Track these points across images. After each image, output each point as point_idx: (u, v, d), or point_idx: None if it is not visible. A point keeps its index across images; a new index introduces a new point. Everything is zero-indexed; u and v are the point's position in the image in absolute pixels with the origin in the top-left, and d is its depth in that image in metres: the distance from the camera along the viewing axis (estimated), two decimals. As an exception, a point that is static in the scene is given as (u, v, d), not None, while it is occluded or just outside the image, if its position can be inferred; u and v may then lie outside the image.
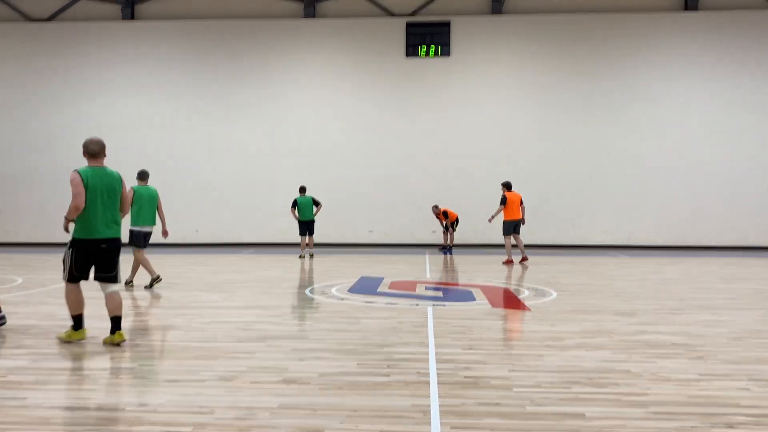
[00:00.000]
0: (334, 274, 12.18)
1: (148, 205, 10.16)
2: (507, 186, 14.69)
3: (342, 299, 8.91)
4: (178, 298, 9.23)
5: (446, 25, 20.65)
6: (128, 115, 21.24)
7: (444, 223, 18.29)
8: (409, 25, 20.75)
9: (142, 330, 6.66)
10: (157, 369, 5.06)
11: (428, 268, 13.64)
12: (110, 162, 23.13)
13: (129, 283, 10.21)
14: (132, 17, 21.54)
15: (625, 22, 20.39)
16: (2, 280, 11.11)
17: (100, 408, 4.08)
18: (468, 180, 20.42)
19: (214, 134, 21.11)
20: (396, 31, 20.86)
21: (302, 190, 16.33)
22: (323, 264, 14.45)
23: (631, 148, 20.31)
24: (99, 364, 5.20)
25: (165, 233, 10.37)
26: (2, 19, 21.72)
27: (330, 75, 21.08)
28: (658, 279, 11.58)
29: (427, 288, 10.22)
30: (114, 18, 21.61)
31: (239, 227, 20.99)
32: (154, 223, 10.32)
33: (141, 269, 10.85)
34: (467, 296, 9.30)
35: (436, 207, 18.50)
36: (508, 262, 14.45)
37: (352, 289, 9.96)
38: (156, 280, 10.12)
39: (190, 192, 20.93)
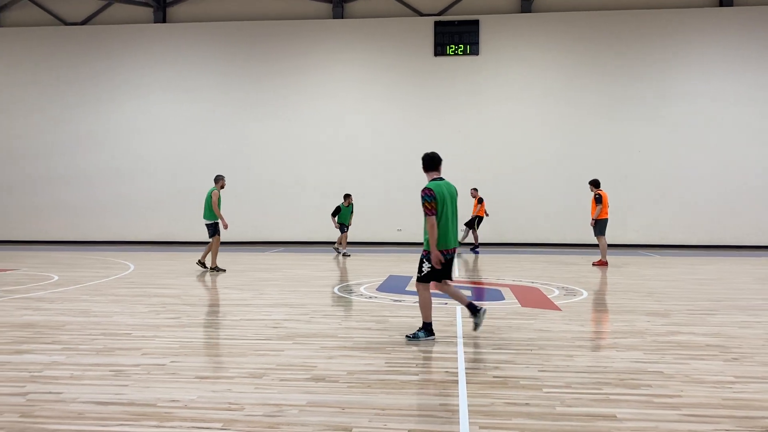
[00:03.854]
0: (363, 273, 12.20)
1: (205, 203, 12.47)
2: (597, 184, 13.89)
3: (370, 298, 8.92)
4: (208, 295, 9.35)
5: (475, 24, 20.55)
6: (159, 116, 21.58)
7: (473, 215, 18.04)
8: (437, 24, 20.70)
9: (173, 327, 6.76)
10: (188, 365, 5.13)
11: (456, 266, 13.58)
12: (140, 161, 23.44)
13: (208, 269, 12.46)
14: (163, 20, 21.86)
15: (657, 19, 20.05)
16: (38, 277, 11.38)
17: (132, 403, 4.15)
18: (497, 178, 20.27)
19: (244, 134, 21.32)
20: (424, 30, 20.83)
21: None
22: (352, 262, 14.48)
23: (663, 146, 19.98)
24: (132, 360, 5.29)
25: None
26: (39, 23, 22.24)
27: (358, 75, 21.14)
28: (692, 279, 11.36)
29: (455, 287, 10.15)
30: (146, 21, 21.97)
31: (268, 226, 21.17)
32: (207, 218, 12.39)
33: (219, 253, 14.30)
34: (496, 295, 9.24)
35: (475, 190, 18.22)
36: (602, 263, 13.73)
37: (381, 288, 9.97)
38: (203, 265, 12.53)
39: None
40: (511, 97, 20.59)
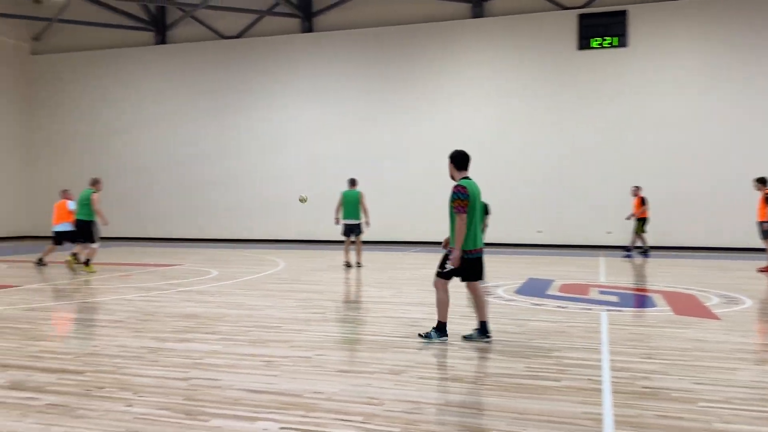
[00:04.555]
0: (500, 275, 12.03)
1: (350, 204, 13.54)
2: (765, 182, 12.72)
3: (509, 300, 8.78)
4: (350, 292, 9.69)
5: (622, 15, 19.49)
6: (305, 122, 22.64)
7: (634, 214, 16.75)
8: (582, 17, 19.88)
9: (318, 321, 7.07)
10: (331, 359, 5.35)
11: (603, 271, 12.98)
12: (284, 165, 24.59)
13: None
14: (310, 30, 22.93)
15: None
16: (200, 272, 12.40)
17: (281, 393, 4.40)
18: (649, 176, 18.94)
19: (382, 138, 21.77)
20: (567, 23, 20.09)
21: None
22: (488, 264, 14.29)
23: None
24: (281, 351, 5.61)
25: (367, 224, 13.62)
26: (200, 38, 24.22)
27: (499, 73, 20.83)
28: None
29: (601, 292, 9.73)
30: (294, 31, 23.16)
31: (404, 226, 21.42)
32: (357, 218, 13.49)
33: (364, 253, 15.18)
34: (646, 302, 8.73)
35: (637, 188, 16.83)
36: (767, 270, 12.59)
37: (520, 291, 9.77)
38: (348, 264, 13.55)
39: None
40: (664, 91, 19.26)
